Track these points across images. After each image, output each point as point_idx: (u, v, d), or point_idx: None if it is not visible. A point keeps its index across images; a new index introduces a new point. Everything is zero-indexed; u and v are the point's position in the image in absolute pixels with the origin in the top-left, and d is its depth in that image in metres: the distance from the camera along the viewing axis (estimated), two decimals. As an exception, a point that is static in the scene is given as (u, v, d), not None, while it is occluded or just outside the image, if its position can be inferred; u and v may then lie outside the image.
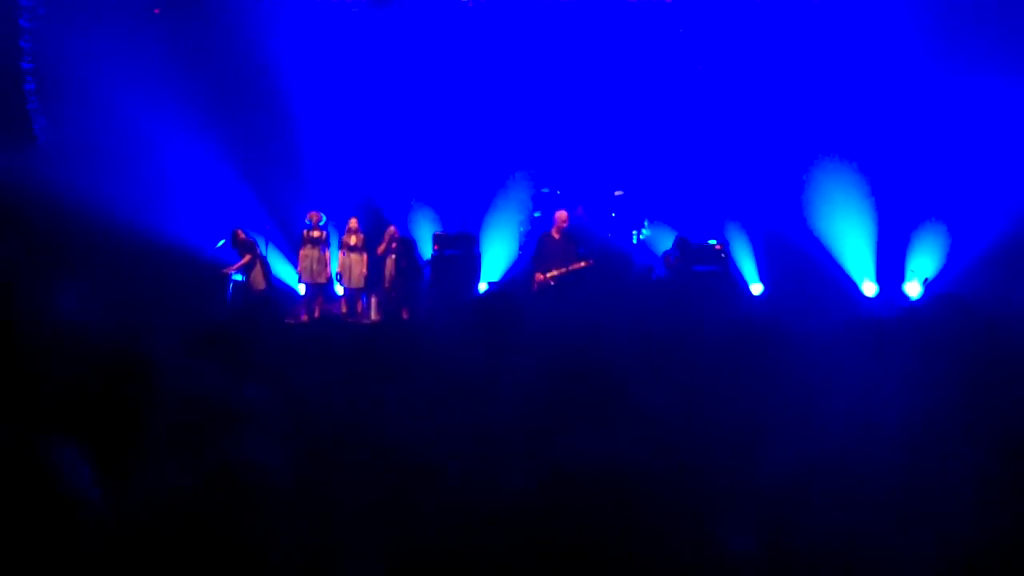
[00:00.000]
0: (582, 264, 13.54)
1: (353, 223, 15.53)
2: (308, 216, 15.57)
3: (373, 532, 2.21)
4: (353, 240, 15.47)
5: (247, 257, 15.03)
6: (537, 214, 16.66)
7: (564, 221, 13.79)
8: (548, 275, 13.44)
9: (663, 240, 15.72)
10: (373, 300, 15.52)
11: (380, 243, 15.36)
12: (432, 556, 2.01)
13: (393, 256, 15.09)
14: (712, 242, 15.05)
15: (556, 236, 13.70)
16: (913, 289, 15.10)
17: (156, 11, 16.02)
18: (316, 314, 15.33)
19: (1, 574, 1.72)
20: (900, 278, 15.39)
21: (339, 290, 15.81)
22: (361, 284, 15.49)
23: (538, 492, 1.92)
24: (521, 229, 16.60)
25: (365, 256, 15.44)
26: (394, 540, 2.14)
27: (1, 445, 1.79)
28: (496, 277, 15.83)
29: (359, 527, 2.25)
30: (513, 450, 2.28)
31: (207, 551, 1.91)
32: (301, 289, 15.91)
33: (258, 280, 15.04)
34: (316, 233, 15.51)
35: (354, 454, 2.63)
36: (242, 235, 15.14)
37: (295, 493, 2.11)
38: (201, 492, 1.95)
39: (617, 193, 16.71)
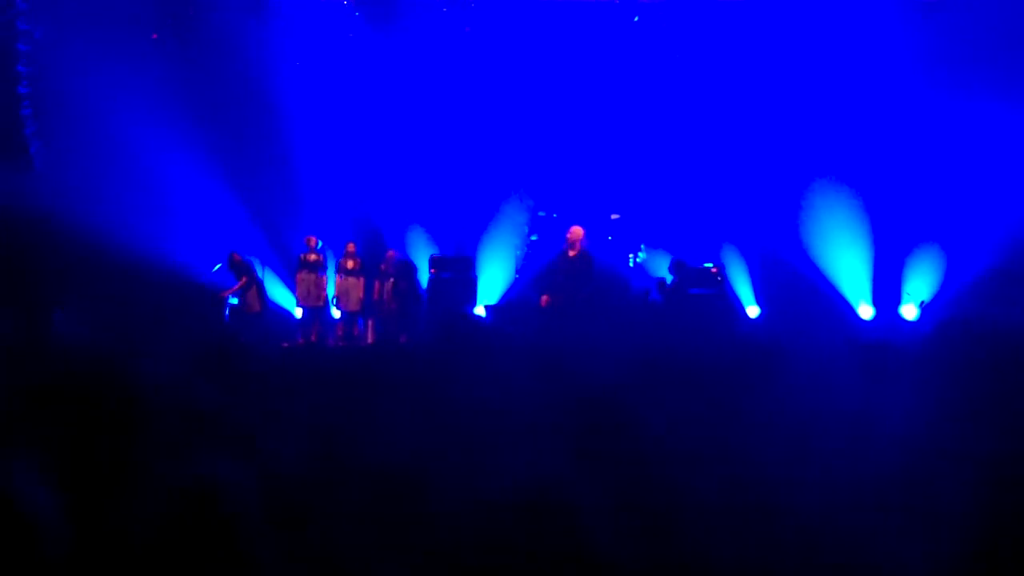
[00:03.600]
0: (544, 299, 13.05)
1: (351, 247, 15.56)
2: (305, 240, 15.60)
3: (366, 550, 2.20)
4: (350, 264, 15.48)
5: (243, 280, 15.02)
6: (534, 237, 16.69)
7: (579, 238, 12.86)
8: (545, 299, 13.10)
9: (659, 263, 15.72)
10: (370, 324, 15.50)
11: (380, 267, 15.40)
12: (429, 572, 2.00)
13: (390, 279, 15.10)
14: (708, 265, 15.05)
15: (572, 255, 12.96)
16: (909, 312, 15.10)
17: (154, 36, 16.05)
18: (313, 338, 15.32)
19: None
20: (896, 301, 15.39)
21: (336, 314, 15.81)
22: (358, 308, 15.48)
23: (538, 511, 1.91)
24: (518, 252, 16.62)
25: (362, 280, 15.45)
26: (389, 558, 2.13)
27: None
28: (493, 300, 15.83)
29: (352, 545, 2.24)
30: (511, 471, 2.27)
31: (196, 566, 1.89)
32: (298, 313, 15.92)
33: (253, 303, 15.02)
34: (313, 257, 15.52)
35: (349, 475, 2.62)
36: (238, 258, 15.13)
37: (287, 512, 2.10)
38: (189, 511, 1.94)
39: (613, 216, 16.73)
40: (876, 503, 2.31)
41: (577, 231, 13.02)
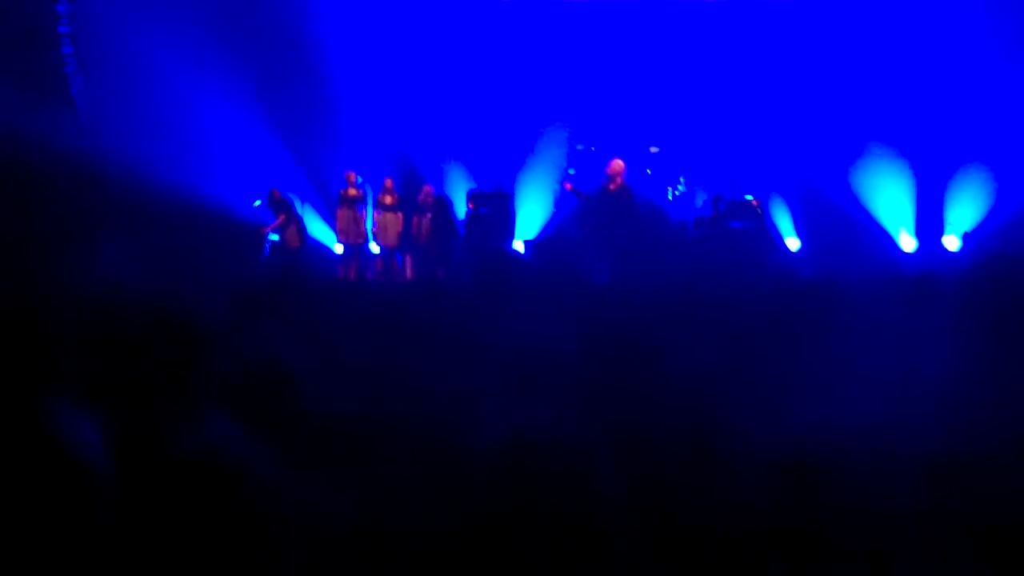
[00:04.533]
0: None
1: (388, 183, 15.58)
2: (345, 176, 15.62)
3: (412, 491, 2.23)
4: (388, 199, 15.51)
5: (282, 216, 15.11)
6: (571, 171, 16.59)
7: (620, 172, 12.66)
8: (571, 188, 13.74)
9: (699, 196, 15.59)
10: (408, 259, 15.57)
11: (417, 202, 15.42)
12: (469, 513, 2.02)
13: (428, 215, 15.11)
14: (748, 198, 14.91)
15: (612, 189, 12.69)
16: (952, 243, 14.93)
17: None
18: (352, 273, 15.42)
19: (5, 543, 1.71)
20: (939, 231, 15.20)
21: (375, 249, 15.88)
22: (396, 243, 15.54)
23: (574, 451, 1.92)
24: (556, 186, 16.52)
25: (400, 215, 15.49)
26: (431, 498, 2.16)
27: (17, 410, 1.78)
28: (531, 235, 15.81)
29: (397, 485, 2.27)
30: (546, 411, 2.29)
31: (232, 516, 1.92)
32: (338, 249, 16.01)
33: (293, 238, 15.13)
34: (352, 193, 15.57)
35: (390, 414, 2.65)
36: (278, 195, 15.22)
37: (331, 453, 2.12)
38: (237, 454, 1.97)
39: (653, 149, 16.58)
40: (917, 446, 2.30)
41: (618, 164, 12.85)
